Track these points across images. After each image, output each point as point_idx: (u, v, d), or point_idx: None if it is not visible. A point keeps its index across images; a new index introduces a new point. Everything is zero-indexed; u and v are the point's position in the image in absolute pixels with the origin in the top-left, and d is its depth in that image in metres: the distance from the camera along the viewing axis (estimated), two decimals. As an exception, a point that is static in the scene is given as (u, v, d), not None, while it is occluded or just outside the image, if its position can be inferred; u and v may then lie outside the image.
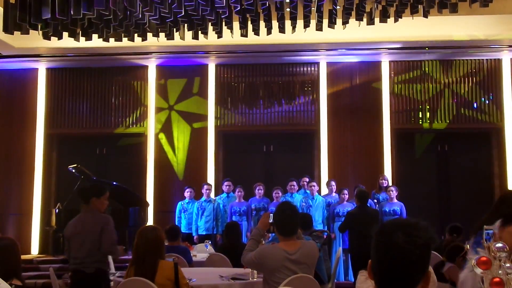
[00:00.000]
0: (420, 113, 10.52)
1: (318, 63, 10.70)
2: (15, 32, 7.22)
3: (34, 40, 8.52)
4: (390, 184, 9.54)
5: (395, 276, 1.51)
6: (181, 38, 7.85)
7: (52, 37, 7.52)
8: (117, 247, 4.82)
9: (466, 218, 9.63)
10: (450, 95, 10.51)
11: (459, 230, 6.38)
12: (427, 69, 10.58)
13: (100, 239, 4.70)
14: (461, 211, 10.21)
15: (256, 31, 7.63)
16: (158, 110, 10.81)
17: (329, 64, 10.68)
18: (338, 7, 7.22)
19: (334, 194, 9.31)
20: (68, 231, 4.95)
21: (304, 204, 8.93)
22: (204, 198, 9.28)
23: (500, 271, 2.05)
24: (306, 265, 3.84)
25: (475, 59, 10.50)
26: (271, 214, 4.00)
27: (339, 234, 8.63)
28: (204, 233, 9.07)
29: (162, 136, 10.74)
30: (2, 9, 7.18)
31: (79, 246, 4.78)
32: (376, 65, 10.61)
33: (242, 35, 7.76)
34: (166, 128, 10.76)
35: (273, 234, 4.23)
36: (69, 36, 7.61)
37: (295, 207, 4.17)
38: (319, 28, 7.65)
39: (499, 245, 2.08)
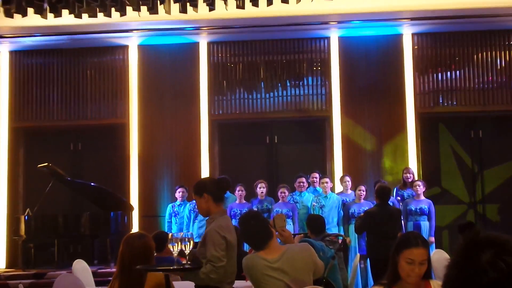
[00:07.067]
0: (450, 94, 10.52)
1: (328, 38, 10.70)
2: (-28, 10, 7.26)
3: (-6, 18, 8.56)
4: (416, 178, 9.57)
5: None
6: (166, 12, 7.84)
7: (15, 15, 7.54)
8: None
9: (500, 209, 9.77)
10: (485, 72, 10.50)
11: (472, 227, 6.54)
12: (456, 42, 10.56)
13: None
14: (495, 202, 10.31)
15: (255, 2, 7.63)
16: (142, 97, 10.82)
17: (341, 38, 10.68)
18: (350, -29, 7.22)
19: (349, 191, 9.34)
20: None
21: (315, 204, 8.95)
22: (197, 199, 9.31)
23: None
24: (294, 271, 3.88)
25: (513, 29, 10.49)
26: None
27: (355, 238, 8.67)
28: (197, 240, 9.08)
29: (147, 127, 10.76)
30: (-45, -18, 7.20)
31: None
32: (397, 38, 10.61)
33: (238, 6, 7.76)
34: (151, 118, 10.78)
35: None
36: (35, 12, 7.62)
37: (258, 214, 4.47)
38: (328, -4, 7.65)
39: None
